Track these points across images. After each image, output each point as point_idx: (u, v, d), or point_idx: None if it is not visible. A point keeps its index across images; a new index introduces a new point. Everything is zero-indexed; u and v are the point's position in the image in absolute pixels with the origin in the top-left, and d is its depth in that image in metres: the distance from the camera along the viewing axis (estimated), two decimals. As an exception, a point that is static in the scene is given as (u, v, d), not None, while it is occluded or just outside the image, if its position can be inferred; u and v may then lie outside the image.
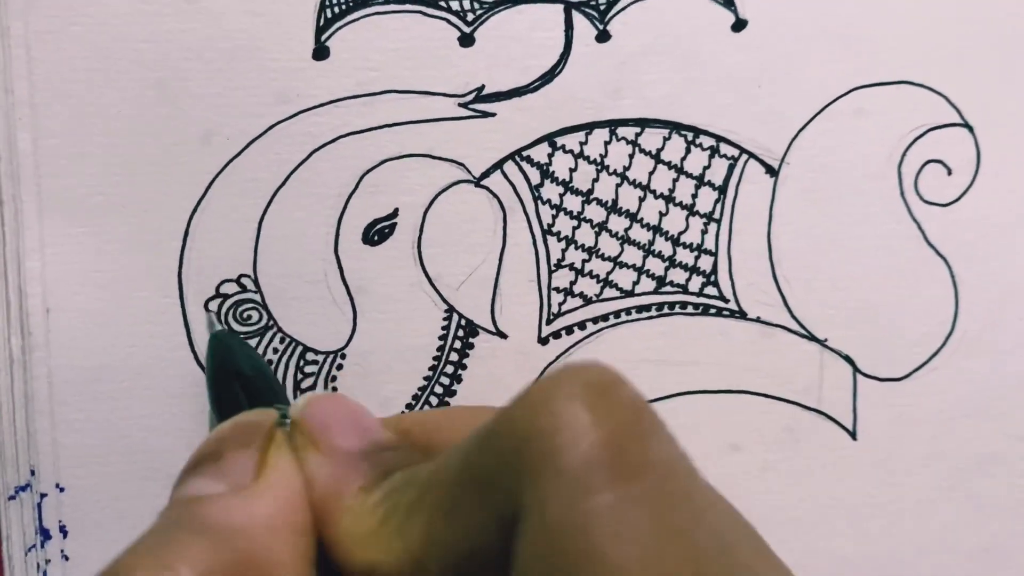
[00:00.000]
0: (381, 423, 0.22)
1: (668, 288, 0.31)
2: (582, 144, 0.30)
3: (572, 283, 0.30)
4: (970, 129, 0.32)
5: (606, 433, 0.16)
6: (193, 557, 0.18)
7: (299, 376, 0.29)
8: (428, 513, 0.19)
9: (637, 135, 0.30)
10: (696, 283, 0.31)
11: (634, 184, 0.30)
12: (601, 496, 0.16)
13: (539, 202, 0.30)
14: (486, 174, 0.30)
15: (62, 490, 0.28)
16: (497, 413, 0.18)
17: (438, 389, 0.30)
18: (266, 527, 0.19)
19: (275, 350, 0.29)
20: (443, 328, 0.30)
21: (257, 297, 0.29)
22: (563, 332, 0.31)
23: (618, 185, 0.30)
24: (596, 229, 0.30)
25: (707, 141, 0.30)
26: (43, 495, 0.28)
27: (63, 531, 0.28)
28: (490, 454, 0.17)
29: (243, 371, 0.26)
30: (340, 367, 0.29)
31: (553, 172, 0.30)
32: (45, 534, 0.28)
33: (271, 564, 0.19)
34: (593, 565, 0.16)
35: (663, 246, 0.31)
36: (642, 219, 0.31)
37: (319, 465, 0.21)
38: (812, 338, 0.32)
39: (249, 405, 0.24)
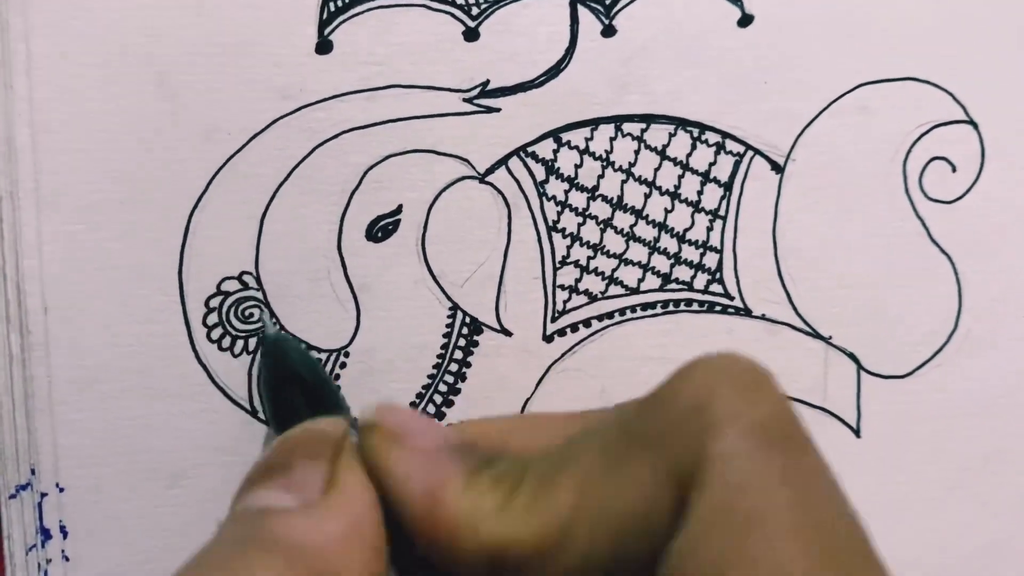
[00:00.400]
0: (451, 428, 0.22)
1: (673, 285, 0.31)
2: (587, 140, 0.30)
3: (577, 280, 0.30)
4: (975, 126, 0.32)
5: (777, 408, 0.18)
6: (266, 575, 0.17)
7: (302, 374, 0.29)
8: (579, 481, 0.18)
9: (643, 131, 0.30)
10: (701, 280, 0.31)
11: (639, 180, 0.30)
12: (780, 460, 0.17)
13: (544, 198, 0.30)
14: (491, 170, 0.29)
15: (62, 490, 0.28)
16: (662, 384, 0.18)
17: (442, 387, 0.30)
18: (339, 545, 0.19)
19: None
20: (447, 325, 0.30)
21: (259, 295, 0.29)
22: (568, 330, 0.30)
23: (623, 181, 0.30)
24: (601, 226, 0.30)
25: (713, 137, 0.30)
26: (43, 494, 0.28)
27: (63, 531, 0.28)
28: (663, 414, 0.18)
29: (304, 376, 0.25)
30: (344, 365, 0.29)
31: (558, 168, 0.30)
32: (46, 534, 0.28)
33: None
34: (767, 528, 0.16)
35: (668, 243, 0.31)
36: (647, 216, 0.30)
37: (411, 461, 0.20)
38: (817, 335, 0.31)
39: (310, 413, 0.23)
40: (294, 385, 0.25)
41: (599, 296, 0.30)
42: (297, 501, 0.19)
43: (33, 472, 0.27)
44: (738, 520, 0.17)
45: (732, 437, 0.17)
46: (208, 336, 0.28)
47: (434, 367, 0.30)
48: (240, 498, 0.20)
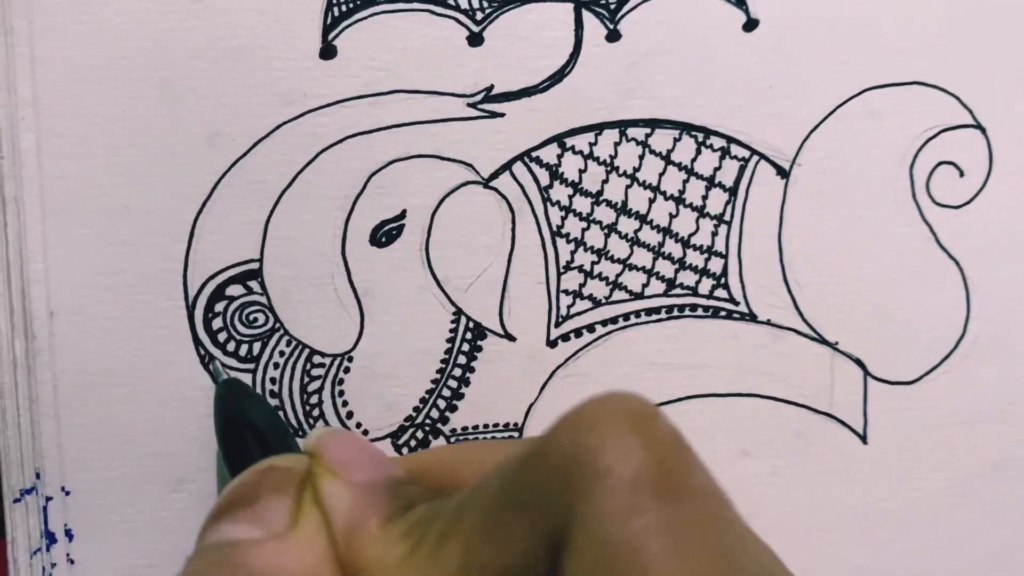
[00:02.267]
0: (395, 461, 0.22)
1: (678, 290, 0.31)
2: (592, 145, 0.30)
3: (581, 285, 0.30)
4: (983, 131, 0.31)
5: (654, 456, 0.17)
6: None
7: (305, 379, 0.29)
8: (465, 537, 0.18)
9: (647, 136, 0.30)
10: (706, 285, 0.31)
11: (644, 185, 0.30)
12: (652, 514, 0.16)
13: (548, 203, 0.30)
14: (495, 175, 0.29)
15: (67, 493, 0.28)
16: (538, 438, 0.18)
17: (446, 392, 0.30)
18: (307, 574, 0.19)
19: (281, 353, 0.29)
20: (451, 331, 0.30)
21: (263, 299, 0.29)
22: (572, 335, 0.30)
23: (628, 186, 0.30)
24: (605, 231, 0.30)
25: (718, 142, 0.30)
26: (48, 498, 0.28)
27: (68, 535, 0.28)
28: (535, 473, 0.18)
29: (255, 423, 0.26)
30: (347, 370, 0.29)
31: (562, 173, 0.30)
32: (51, 537, 0.28)
33: None
34: None
35: (673, 248, 0.30)
36: (652, 221, 0.30)
37: (340, 495, 0.20)
38: (823, 341, 0.31)
39: (263, 456, 0.23)
40: (247, 430, 0.26)
41: (603, 301, 0.30)
42: (264, 533, 0.19)
43: (38, 476, 0.28)
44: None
45: (599, 496, 0.17)
46: (213, 341, 0.28)
47: (438, 372, 0.30)
48: (206, 531, 0.20)
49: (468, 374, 0.30)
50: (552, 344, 0.30)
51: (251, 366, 0.29)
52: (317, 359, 0.29)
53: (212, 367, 0.28)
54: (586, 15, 0.29)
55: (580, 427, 0.17)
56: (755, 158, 0.30)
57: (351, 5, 0.28)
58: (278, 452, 0.24)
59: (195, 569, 0.19)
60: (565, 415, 0.18)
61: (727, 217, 0.31)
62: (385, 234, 0.29)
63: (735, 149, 0.30)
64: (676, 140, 0.30)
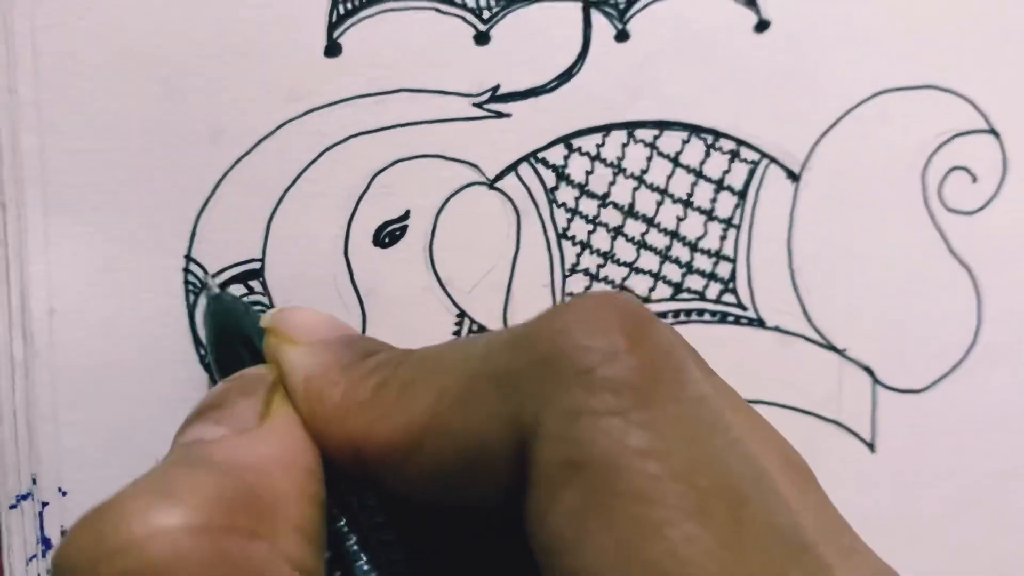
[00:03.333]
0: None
1: (685, 295, 0.30)
2: (599, 146, 0.29)
3: (587, 288, 0.30)
4: (997, 135, 0.31)
5: (642, 361, 0.17)
6: (196, 486, 0.17)
7: (307, 381, 0.29)
8: (435, 394, 0.18)
9: (655, 137, 0.30)
10: (714, 290, 0.30)
11: (652, 188, 0.30)
12: (634, 414, 0.16)
13: (554, 205, 0.29)
14: (500, 176, 0.29)
15: (64, 494, 0.28)
16: (529, 323, 0.18)
17: (448, 395, 0.29)
18: (272, 464, 0.19)
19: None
20: (454, 333, 0.29)
21: (265, 299, 0.28)
22: (577, 339, 0.30)
23: (635, 189, 0.30)
24: (612, 233, 0.30)
25: (727, 145, 0.30)
26: (45, 503, 0.27)
27: (64, 536, 0.28)
28: (519, 357, 0.17)
29: (247, 333, 0.25)
30: (349, 372, 0.29)
31: (569, 175, 0.29)
32: (47, 543, 0.27)
33: (276, 499, 0.18)
34: (621, 478, 0.16)
35: (681, 252, 0.30)
36: (659, 224, 0.30)
37: (300, 355, 0.21)
38: (831, 348, 0.31)
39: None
40: (239, 343, 0.25)
41: (609, 305, 0.30)
42: (230, 430, 0.19)
43: (34, 481, 0.27)
44: (588, 473, 0.16)
45: (579, 392, 0.16)
46: (213, 341, 0.28)
47: (440, 375, 0.29)
48: (177, 437, 0.20)
49: (471, 377, 0.29)
50: (557, 348, 0.30)
51: (252, 367, 0.28)
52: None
53: (202, 280, 0.28)
54: (595, 14, 0.29)
55: (570, 321, 0.17)
56: (765, 161, 0.30)
57: (357, 2, 0.28)
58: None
59: (160, 464, 0.19)
60: (558, 306, 0.18)
61: (736, 221, 0.30)
62: (389, 234, 0.29)
63: (745, 152, 0.30)
64: (685, 142, 0.30)
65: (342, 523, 0.20)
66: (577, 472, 0.16)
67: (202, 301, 0.28)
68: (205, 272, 0.28)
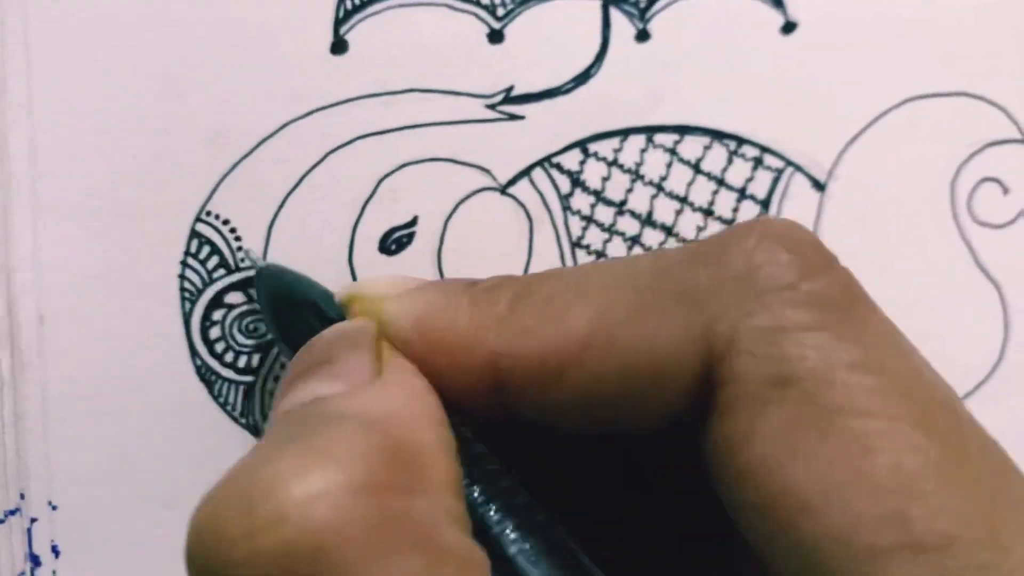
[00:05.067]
0: None
1: (703, 308, 0.29)
2: (616, 151, 0.28)
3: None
4: (1030, 145, 0.30)
5: (840, 281, 0.17)
6: (344, 442, 0.15)
7: (308, 394, 0.28)
8: (597, 307, 0.17)
9: (676, 143, 0.28)
10: (733, 303, 0.29)
11: (671, 195, 0.29)
12: (841, 329, 0.16)
13: (568, 212, 0.28)
14: (512, 181, 0.28)
15: (54, 508, 0.27)
16: (712, 239, 0.18)
17: (456, 409, 0.28)
18: (407, 415, 0.17)
19: (282, 365, 0.28)
20: (463, 345, 0.28)
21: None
22: (590, 352, 0.29)
23: (653, 196, 0.29)
24: (629, 243, 0.29)
25: (751, 151, 0.29)
26: (33, 519, 0.26)
27: (55, 551, 0.27)
28: (706, 272, 0.17)
29: (309, 297, 0.24)
30: (352, 385, 0.28)
31: (584, 181, 0.28)
32: (35, 560, 0.26)
33: (423, 451, 0.17)
34: (836, 392, 0.16)
35: (699, 263, 0.29)
36: (678, 233, 0.29)
37: (402, 301, 0.19)
38: (853, 364, 0.30)
39: (324, 328, 0.22)
40: (304, 310, 0.24)
41: (624, 317, 0.29)
42: (348, 385, 0.18)
43: (23, 497, 0.26)
44: (797, 389, 0.16)
45: (782, 307, 0.16)
46: (210, 351, 0.27)
47: (448, 389, 0.28)
48: (286, 397, 0.18)
49: (480, 391, 0.28)
50: (569, 361, 0.29)
51: (250, 378, 0.27)
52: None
53: (247, 255, 0.26)
54: (614, 13, 0.28)
55: (765, 238, 0.17)
56: (790, 169, 0.29)
57: (365, -3, 0.26)
58: (339, 321, 0.22)
59: (281, 429, 0.17)
60: (739, 225, 0.18)
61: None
62: (395, 241, 0.28)
63: (769, 159, 0.29)
64: (706, 148, 0.29)
65: (475, 493, 0.18)
66: (786, 388, 0.16)
67: (253, 276, 0.26)
68: (240, 244, 0.26)
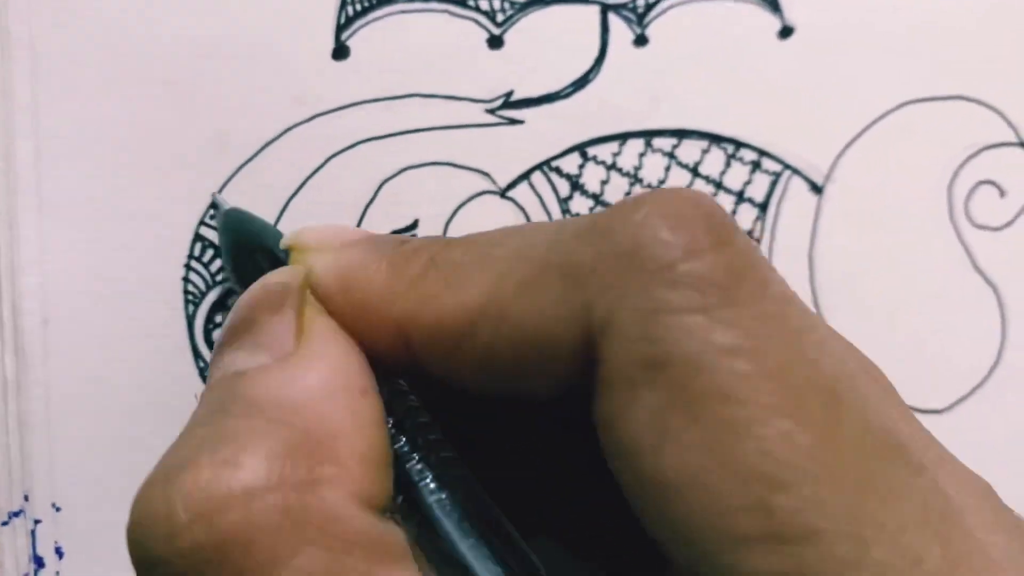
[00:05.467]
0: None
1: (702, 310, 0.29)
2: (615, 155, 0.28)
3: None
4: (1026, 148, 0.30)
5: (727, 260, 0.16)
6: (253, 444, 0.16)
7: (310, 396, 0.28)
8: (492, 278, 0.17)
9: (674, 147, 0.29)
10: (732, 306, 0.29)
11: (669, 199, 0.29)
12: (718, 312, 0.15)
13: (568, 215, 0.28)
14: (512, 185, 0.28)
15: (58, 510, 0.27)
16: (606, 212, 0.17)
17: (456, 411, 0.29)
18: (321, 395, 0.18)
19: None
20: (463, 347, 0.28)
21: (267, 311, 0.27)
22: (590, 354, 0.29)
23: (652, 200, 0.29)
24: (627, 246, 0.29)
25: (748, 155, 0.29)
26: (37, 521, 0.26)
27: (59, 552, 0.27)
28: (592, 248, 0.17)
29: (265, 245, 0.24)
30: (354, 387, 0.28)
31: (583, 184, 0.28)
32: (39, 562, 0.27)
33: (334, 433, 0.17)
34: (707, 377, 0.15)
35: (698, 266, 0.29)
36: (677, 236, 0.29)
37: (331, 256, 0.20)
38: (851, 366, 0.30)
39: None
40: (259, 255, 0.24)
41: (623, 319, 0.29)
42: (270, 357, 0.18)
43: (27, 499, 0.26)
44: (669, 373, 0.15)
45: (658, 288, 0.16)
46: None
47: (448, 391, 0.28)
48: (213, 364, 0.19)
49: (480, 393, 0.29)
50: (569, 363, 0.29)
51: (253, 380, 0.28)
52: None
53: (213, 198, 0.27)
54: (612, 18, 0.28)
55: (651, 213, 0.16)
56: (788, 173, 0.29)
57: (366, 4, 0.27)
58: None
59: (206, 410, 0.18)
60: (635, 197, 0.17)
61: (757, 234, 0.29)
62: (396, 244, 0.28)
63: (767, 163, 0.29)
64: (704, 152, 0.29)
65: (402, 443, 0.19)
66: (658, 372, 0.15)
67: (216, 216, 0.26)
68: (217, 194, 0.27)
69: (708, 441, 0.15)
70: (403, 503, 0.18)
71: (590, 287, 0.16)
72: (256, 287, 0.20)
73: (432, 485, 0.18)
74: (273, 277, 0.20)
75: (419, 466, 0.18)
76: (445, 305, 0.18)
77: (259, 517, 0.16)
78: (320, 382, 0.18)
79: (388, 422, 0.19)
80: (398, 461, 0.18)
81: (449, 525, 0.17)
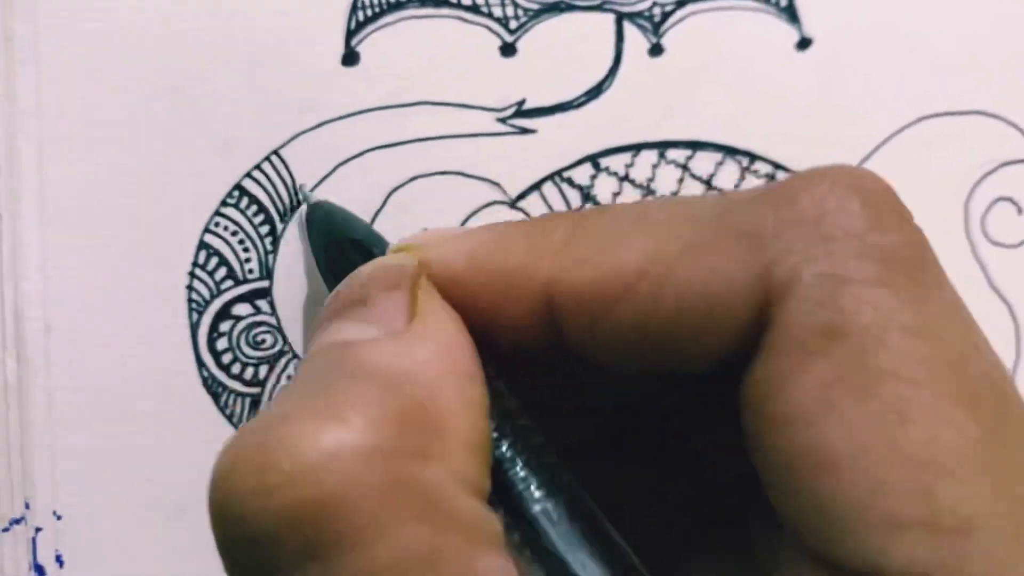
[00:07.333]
0: None
1: (713, 325, 0.29)
2: (628, 166, 0.28)
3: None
4: (1045, 165, 0.30)
5: (914, 237, 0.16)
6: (362, 403, 0.15)
7: (315, 407, 0.27)
8: (657, 240, 0.17)
9: (688, 159, 0.28)
10: (743, 321, 0.29)
11: (682, 212, 0.28)
12: (904, 290, 0.15)
13: (578, 227, 0.28)
14: (523, 195, 0.28)
15: (59, 518, 0.26)
16: (783, 182, 0.17)
17: (462, 423, 0.28)
18: (433, 372, 0.17)
19: (290, 377, 0.27)
20: (470, 359, 0.28)
21: (272, 320, 0.27)
22: (598, 368, 0.29)
23: (664, 212, 0.28)
24: (638, 259, 0.28)
25: (763, 168, 0.28)
26: (38, 529, 0.26)
27: (59, 561, 0.27)
28: (773, 213, 0.16)
29: (357, 237, 0.24)
30: (359, 399, 0.28)
31: (595, 196, 0.28)
32: (39, 570, 0.26)
33: (442, 412, 0.16)
34: (887, 354, 0.15)
35: (710, 280, 0.29)
36: (688, 250, 0.29)
37: (446, 244, 0.19)
38: (863, 383, 0.30)
39: None
40: (351, 249, 0.24)
41: (633, 333, 0.29)
42: (381, 331, 0.17)
43: (28, 506, 0.26)
44: (845, 344, 0.15)
45: (846, 256, 0.16)
46: (217, 362, 0.27)
47: (455, 403, 0.28)
48: (318, 335, 0.18)
49: (487, 405, 0.28)
50: (577, 376, 0.29)
51: (257, 390, 0.27)
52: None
53: (300, 190, 0.26)
54: (628, 27, 0.27)
55: (839, 183, 0.16)
56: (802, 188, 0.29)
57: (377, 9, 0.26)
58: None
59: (307, 374, 0.17)
60: (810, 170, 0.17)
61: (769, 249, 0.29)
62: (404, 254, 0.27)
63: (781, 176, 0.28)
64: (719, 164, 0.28)
65: (503, 448, 0.18)
66: (835, 341, 0.15)
67: (301, 211, 0.26)
68: (294, 180, 0.26)
69: (875, 419, 0.15)
70: (501, 507, 0.17)
71: (771, 250, 0.16)
72: (368, 267, 0.20)
73: (537, 494, 0.17)
74: (387, 260, 0.20)
75: (522, 472, 0.17)
76: (600, 266, 0.17)
77: (367, 480, 0.15)
78: (431, 358, 0.17)
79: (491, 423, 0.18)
80: (499, 465, 0.17)
81: (555, 535, 0.17)
